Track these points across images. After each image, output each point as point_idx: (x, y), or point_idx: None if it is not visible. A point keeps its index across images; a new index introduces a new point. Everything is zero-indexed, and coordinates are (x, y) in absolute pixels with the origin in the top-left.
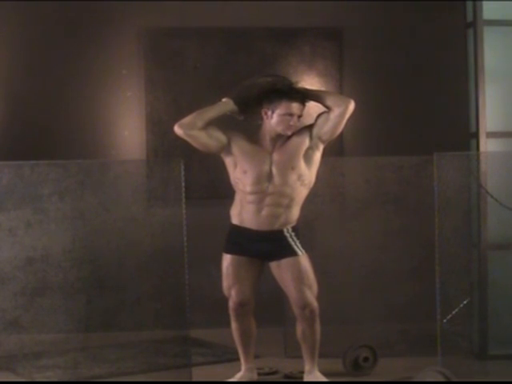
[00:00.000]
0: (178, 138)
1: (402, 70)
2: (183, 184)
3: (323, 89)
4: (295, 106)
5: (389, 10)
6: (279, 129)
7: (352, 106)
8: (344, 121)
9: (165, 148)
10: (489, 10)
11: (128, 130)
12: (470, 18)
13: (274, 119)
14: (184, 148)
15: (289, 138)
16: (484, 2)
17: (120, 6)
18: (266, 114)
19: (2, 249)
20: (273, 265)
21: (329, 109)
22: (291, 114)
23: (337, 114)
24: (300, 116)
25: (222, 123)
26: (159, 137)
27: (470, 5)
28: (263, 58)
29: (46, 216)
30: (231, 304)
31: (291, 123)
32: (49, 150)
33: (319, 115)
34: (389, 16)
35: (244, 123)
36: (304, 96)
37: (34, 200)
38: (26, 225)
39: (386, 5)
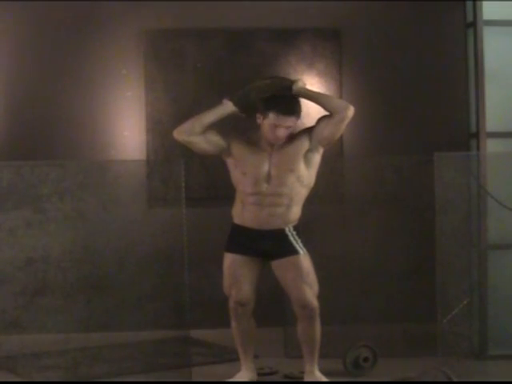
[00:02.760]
0: (188, 147)
1: (401, 70)
2: (183, 184)
3: (323, 89)
4: (282, 119)
5: (389, 10)
6: (268, 137)
7: (351, 112)
8: (343, 126)
9: (165, 148)
10: (489, 10)
11: (128, 130)
12: (470, 18)
13: (264, 126)
14: (184, 148)
15: (288, 139)
16: (484, 2)
17: (120, 6)
18: (259, 118)
19: (2, 249)
20: (274, 264)
21: (329, 113)
22: (277, 126)
23: (336, 120)
24: (289, 127)
25: (222, 123)
26: (159, 137)
27: (470, 5)
28: (263, 58)
29: (45, 216)
30: (231, 303)
31: (278, 134)
32: (49, 150)
33: (320, 119)
34: (389, 16)
35: (244, 124)
36: (296, 108)
37: (34, 200)
38: (26, 225)
39: (386, 5)
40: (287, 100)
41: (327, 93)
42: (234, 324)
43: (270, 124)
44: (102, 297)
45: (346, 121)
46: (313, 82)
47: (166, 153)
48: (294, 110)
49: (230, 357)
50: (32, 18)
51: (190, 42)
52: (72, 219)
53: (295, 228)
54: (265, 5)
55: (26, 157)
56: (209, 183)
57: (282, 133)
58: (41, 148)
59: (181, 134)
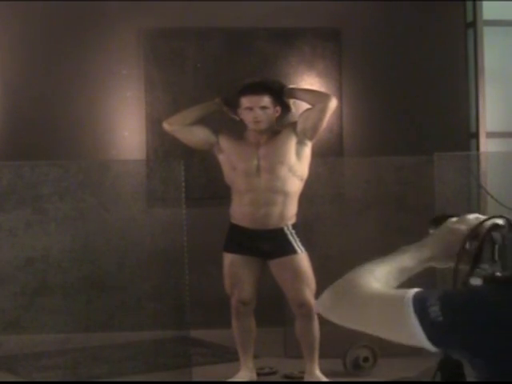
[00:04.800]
0: (177, 137)
1: (401, 70)
2: (183, 184)
3: (323, 89)
4: (253, 99)
5: (388, 10)
6: (247, 124)
7: (333, 102)
8: (325, 117)
9: (165, 148)
10: (489, 10)
11: (128, 130)
12: (470, 17)
13: (243, 116)
14: (184, 148)
15: (276, 133)
16: (484, 2)
17: (120, 6)
18: (240, 113)
19: (2, 249)
20: (272, 263)
21: (311, 105)
22: (251, 108)
23: (318, 110)
24: (265, 108)
25: (212, 120)
26: (159, 137)
27: (469, 5)
28: (263, 58)
29: (45, 216)
30: (233, 302)
31: (255, 116)
32: (49, 150)
33: (302, 112)
34: (388, 16)
35: (232, 121)
36: (267, 86)
37: (34, 200)
38: (25, 225)
39: (386, 5)
40: (255, 81)
41: (327, 92)
42: (235, 323)
43: (245, 108)
44: (102, 297)
45: (329, 111)
46: (313, 82)
47: (165, 153)
48: (264, 88)
49: (230, 357)
50: (32, 19)
51: (189, 41)
52: (72, 219)
53: (294, 226)
54: (265, 5)
55: (26, 157)
56: (208, 183)
57: (258, 114)
58: (41, 148)
59: (170, 124)
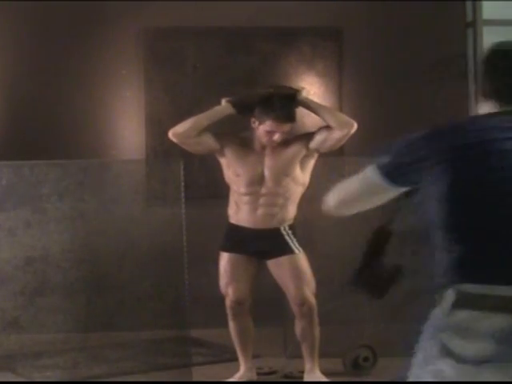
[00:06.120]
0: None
1: (401, 70)
2: (183, 184)
3: (323, 89)
4: (280, 126)
5: (389, 9)
6: (263, 141)
7: (354, 128)
8: (344, 141)
9: (164, 148)
10: (489, 10)
11: (128, 130)
12: (469, 17)
13: (259, 131)
14: (183, 148)
15: (283, 143)
16: (484, 2)
17: (119, 6)
18: (254, 123)
19: (2, 249)
20: (270, 263)
21: (330, 127)
22: (274, 132)
23: (339, 135)
24: (286, 132)
25: (217, 123)
26: (159, 137)
27: (469, 4)
28: (263, 58)
29: (45, 216)
30: (228, 302)
31: (275, 138)
32: (49, 150)
33: (320, 129)
34: (388, 16)
35: (238, 124)
36: (293, 114)
37: (34, 200)
38: (25, 225)
39: (386, 5)
40: (284, 107)
41: (326, 92)
42: (231, 323)
43: (267, 130)
44: (101, 297)
45: (349, 136)
46: (312, 82)
47: (165, 152)
48: (292, 117)
49: (229, 357)
50: (31, 18)
51: (188, 41)
52: (71, 219)
53: (291, 227)
54: (265, 5)
55: (26, 157)
56: (208, 182)
57: (278, 137)
58: (41, 148)
59: (176, 136)
